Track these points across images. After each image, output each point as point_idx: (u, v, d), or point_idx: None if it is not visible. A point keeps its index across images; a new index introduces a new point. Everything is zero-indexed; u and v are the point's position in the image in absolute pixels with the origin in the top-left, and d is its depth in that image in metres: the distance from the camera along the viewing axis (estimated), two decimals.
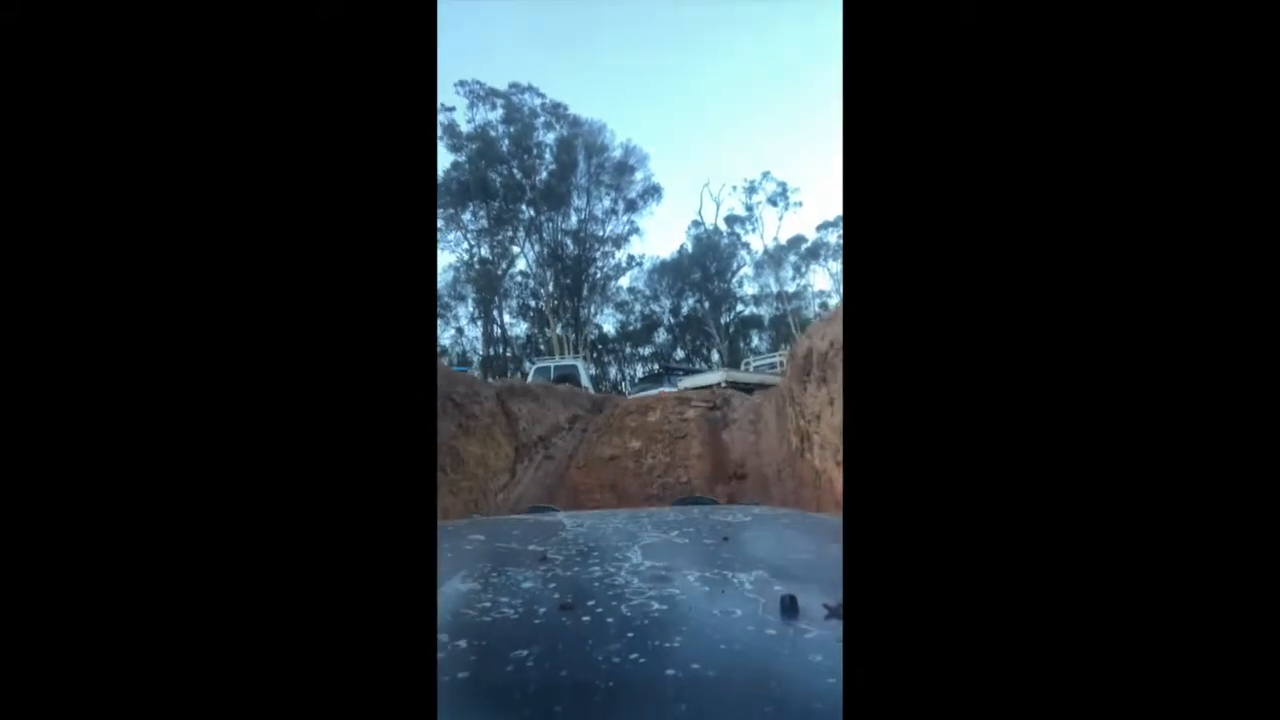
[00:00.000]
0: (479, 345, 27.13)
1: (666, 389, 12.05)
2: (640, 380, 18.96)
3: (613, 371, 30.65)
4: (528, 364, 19.24)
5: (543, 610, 0.70)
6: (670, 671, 0.57)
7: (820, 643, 0.59)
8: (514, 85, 24.65)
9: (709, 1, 39.90)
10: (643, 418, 5.38)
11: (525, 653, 0.61)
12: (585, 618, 0.67)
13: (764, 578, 0.77)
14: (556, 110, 25.02)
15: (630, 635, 0.63)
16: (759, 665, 0.60)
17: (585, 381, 12.72)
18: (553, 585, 0.77)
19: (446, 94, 25.28)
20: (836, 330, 4.64)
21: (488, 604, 0.71)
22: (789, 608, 0.67)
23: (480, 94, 24.09)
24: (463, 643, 0.63)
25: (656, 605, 0.70)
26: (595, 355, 28.12)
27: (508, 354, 27.07)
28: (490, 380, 6.47)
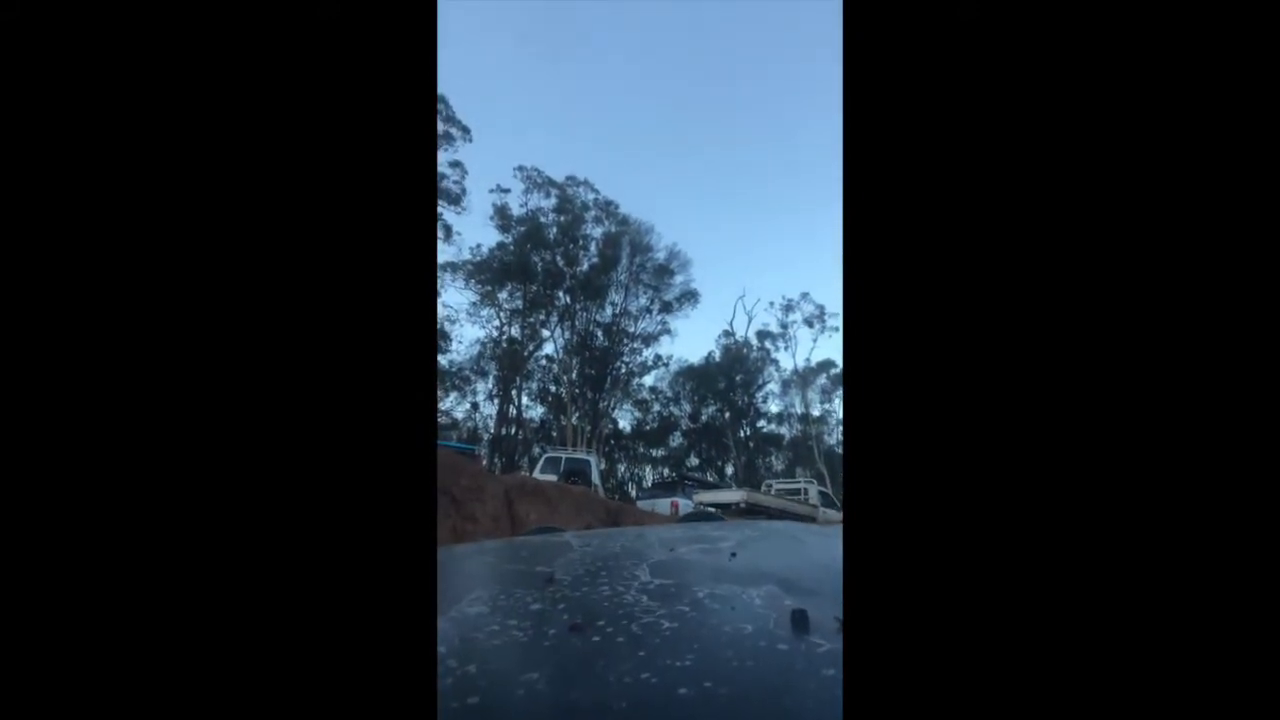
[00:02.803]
0: (492, 424, 26.58)
1: (680, 500, 11.20)
2: (652, 486, 17.99)
3: (621, 469, 29.79)
4: (538, 449, 18.51)
5: (552, 632, 0.71)
6: (683, 690, 0.57)
7: (833, 657, 0.60)
8: (570, 178, 25.79)
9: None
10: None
11: (536, 675, 0.61)
12: (595, 638, 0.67)
13: (774, 592, 0.78)
14: (607, 207, 25.97)
15: (641, 654, 0.63)
16: (772, 682, 0.60)
17: (596, 479, 12.11)
18: (561, 606, 0.78)
19: (504, 177, 26.38)
20: None
21: (496, 627, 0.72)
22: (800, 622, 0.68)
23: (537, 181, 25.10)
24: (472, 667, 0.63)
25: (667, 623, 0.71)
26: (607, 450, 27.33)
27: (520, 436, 26.49)
28: (498, 470, 5.88)
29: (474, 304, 25.01)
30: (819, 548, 1.13)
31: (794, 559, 1.05)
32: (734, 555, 1.02)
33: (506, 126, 47.36)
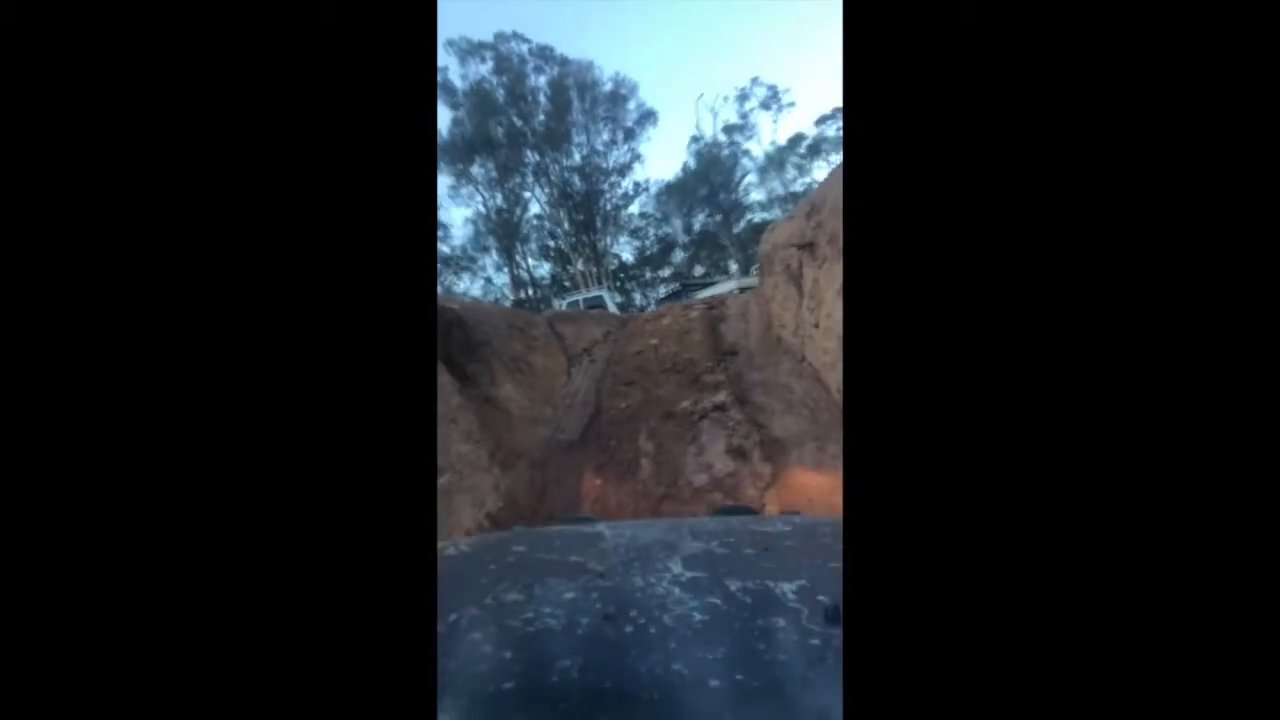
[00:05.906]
0: (508, 291, 28.88)
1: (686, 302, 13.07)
2: (660, 300, 20.35)
3: (637, 298, 32.06)
4: (555, 301, 20.61)
5: (585, 621, 0.70)
6: (714, 683, 0.57)
7: None
8: (499, 35, 25.39)
9: None
10: (658, 322, 6.94)
11: (569, 663, 0.61)
12: (628, 628, 0.67)
13: (806, 587, 0.77)
14: (544, 53, 25.79)
15: (673, 646, 0.63)
16: (802, 674, 0.59)
17: (613, 309, 14.03)
18: (595, 595, 0.77)
19: (439, 54, 25.95)
20: (790, 228, 5.97)
21: (531, 615, 0.72)
22: (832, 615, 0.67)
23: (468, 49, 24.85)
24: (508, 653, 0.64)
25: (699, 615, 0.70)
26: (619, 284, 29.50)
27: (536, 295, 28.84)
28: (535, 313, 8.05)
29: (452, 186, 26.18)
30: None
31: (826, 554, 1.03)
32: (766, 549, 1.04)
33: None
